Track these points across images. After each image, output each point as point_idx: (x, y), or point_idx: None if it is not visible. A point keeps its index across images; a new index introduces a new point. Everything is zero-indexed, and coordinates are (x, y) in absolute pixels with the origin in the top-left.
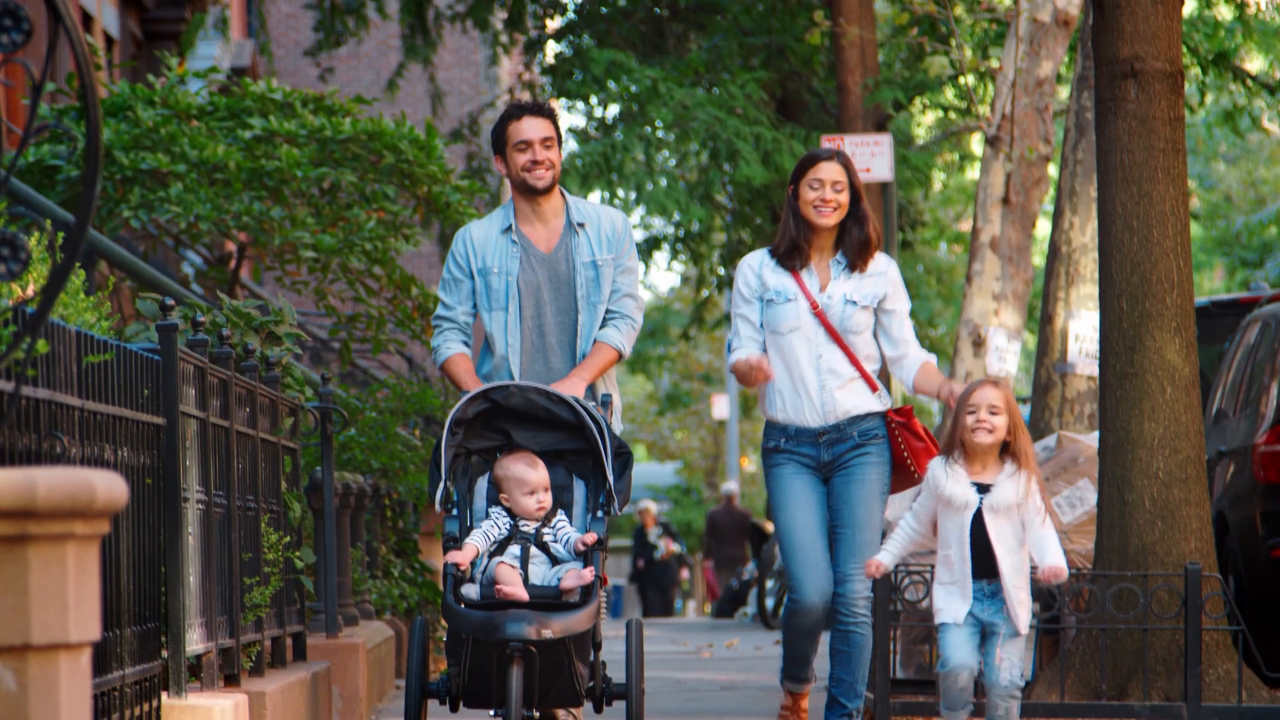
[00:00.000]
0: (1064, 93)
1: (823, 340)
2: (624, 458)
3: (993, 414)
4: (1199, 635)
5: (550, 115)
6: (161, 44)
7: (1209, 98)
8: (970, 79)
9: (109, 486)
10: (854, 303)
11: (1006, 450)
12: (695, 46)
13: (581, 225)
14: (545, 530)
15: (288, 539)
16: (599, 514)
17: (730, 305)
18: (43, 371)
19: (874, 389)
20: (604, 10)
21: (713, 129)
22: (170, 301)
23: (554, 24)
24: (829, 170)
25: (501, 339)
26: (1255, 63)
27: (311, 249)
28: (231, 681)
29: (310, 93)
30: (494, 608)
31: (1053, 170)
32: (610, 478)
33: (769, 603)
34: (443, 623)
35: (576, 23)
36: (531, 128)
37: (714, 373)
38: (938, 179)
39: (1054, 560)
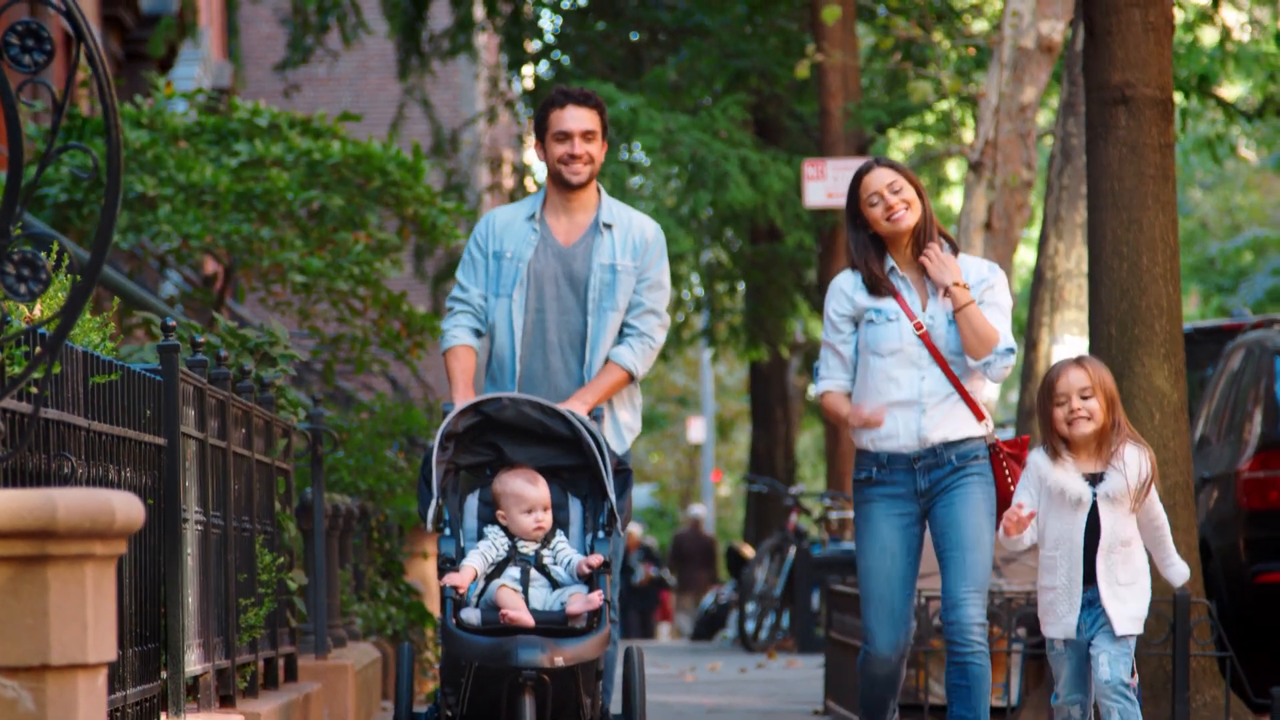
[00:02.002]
0: (1043, 119)
1: (926, 362)
2: (624, 475)
3: (1084, 398)
4: (1187, 661)
5: (596, 106)
6: (144, 64)
7: (1189, 125)
8: (952, 104)
9: (127, 507)
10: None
11: (1107, 432)
12: (672, 70)
13: (609, 226)
14: (545, 551)
15: (281, 560)
16: (600, 534)
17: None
18: (52, 392)
19: (979, 416)
20: (583, 33)
21: (698, 152)
22: (172, 321)
23: (533, 46)
24: (879, 178)
25: (504, 326)
26: (1234, 89)
27: (299, 271)
28: (227, 702)
29: (298, 115)
30: (498, 633)
31: (1033, 197)
32: (611, 495)
33: (749, 625)
34: (431, 646)
35: (555, 46)
36: (573, 118)
37: (690, 395)
38: None
39: (1176, 570)
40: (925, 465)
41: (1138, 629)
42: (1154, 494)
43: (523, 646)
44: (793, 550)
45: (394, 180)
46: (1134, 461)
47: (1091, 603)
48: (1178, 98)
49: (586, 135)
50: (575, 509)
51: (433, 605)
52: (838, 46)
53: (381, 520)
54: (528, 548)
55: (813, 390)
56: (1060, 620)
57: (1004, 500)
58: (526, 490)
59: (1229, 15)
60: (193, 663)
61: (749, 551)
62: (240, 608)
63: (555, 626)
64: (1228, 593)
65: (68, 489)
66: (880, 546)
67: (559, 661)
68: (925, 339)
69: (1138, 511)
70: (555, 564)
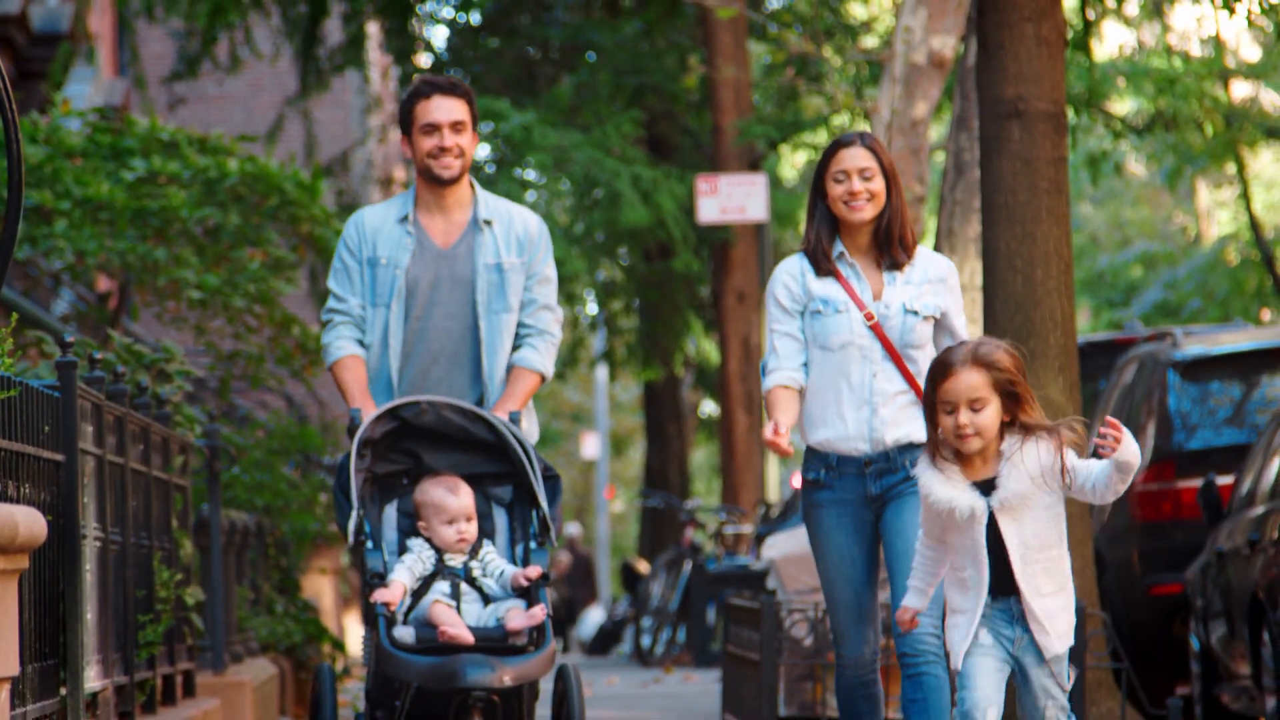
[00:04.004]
0: (935, 134)
1: (879, 357)
2: (553, 481)
3: (975, 409)
4: (1083, 673)
5: (464, 95)
6: (35, 82)
7: (1078, 140)
8: (845, 119)
9: (30, 522)
10: (915, 313)
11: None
12: (570, 89)
13: (488, 223)
14: (474, 564)
15: (179, 576)
16: (533, 544)
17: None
18: None
19: None
20: (476, 50)
21: (590, 170)
22: (70, 338)
23: (423, 60)
24: (854, 157)
25: (379, 340)
26: (1124, 105)
27: (195, 288)
28: (126, 718)
29: (195, 133)
30: (438, 652)
31: (926, 211)
32: (543, 503)
33: (645, 640)
34: (328, 662)
35: (447, 62)
36: (440, 108)
37: (584, 412)
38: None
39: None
40: (877, 470)
41: (1069, 643)
42: (1078, 464)
43: (470, 666)
44: (688, 565)
45: (290, 199)
46: (1031, 454)
47: (1018, 617)
48: (1069, 113)
49: (456, 126)
50: (501, 518)
51: (328, 621)
52: (730, 61)
53: (278, 536)
54: (455, 560)
55: (764, 383)
56: (959, 646)
57: None
58: (447, 500)
59: (1119, 33)
60: (92, 679)
61: (644, 567)
62: (139, 624)
63: (496, 644)
64: (1122, 605)
65: None
66: (839, 554)
67: (508, 681)
68: (877, 330)
69: (1068, 490)
70: (485, 576)
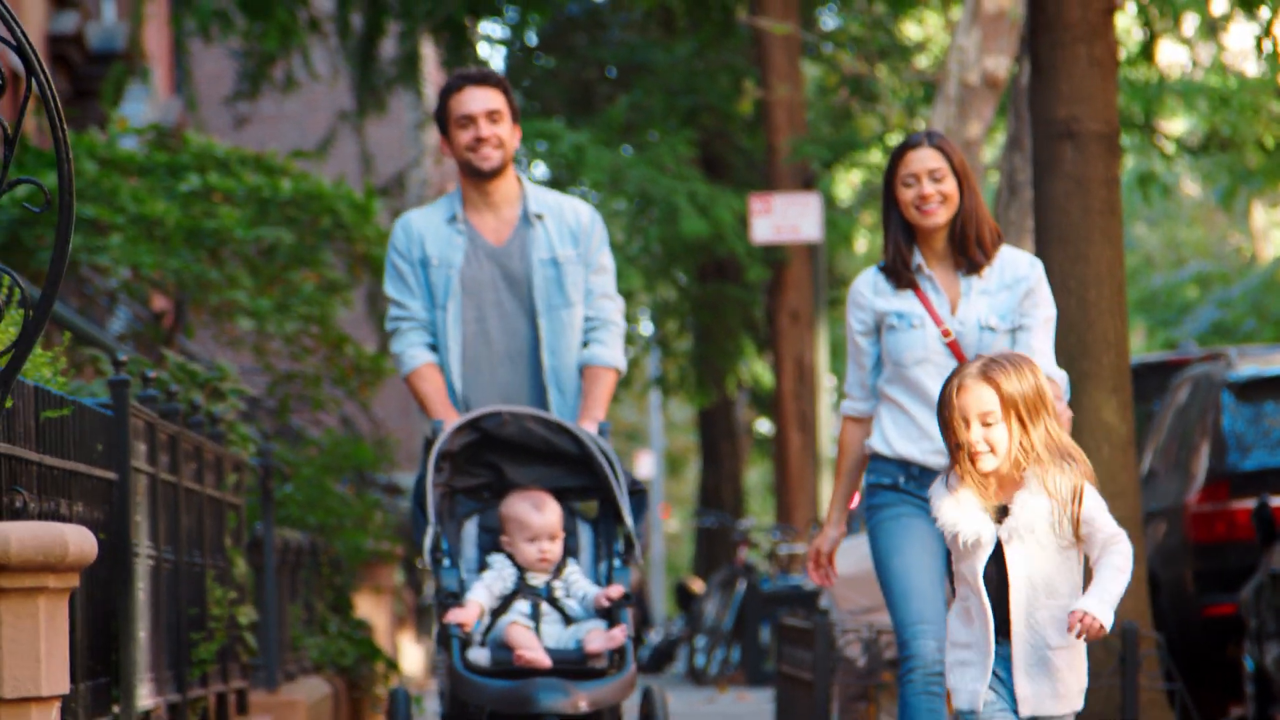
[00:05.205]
0: (988, 154)
1: None
2: (639, 496)
3: (986, 425)
4: (1135, 693)
5: (499, 84)
6: (91, 101)
7: (1130, 160)
8: (898, 139)
9: (80, 540)
10: (991, 329)
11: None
12: (624, 108)
13: (540, 216)
14: (557, 583)
15: (233, 595)
16: (617, 562)
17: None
18: (2, 426)
19: None
20: (531, 69)
21: (645, 188)
22: (123, 356)
23: None
24: (922, 159)
25: (440, 343)
26: (1178, 124)
27: (249, 315)
28: None
29: (249, 152)
30: (513, 675)
31: None
32: (628, 519)
33: (699, 660)
34: (381, 682)
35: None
36: (475, 99)
37: (639, 431)
38: (863, 240)
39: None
40: None
41: (1077, 706)
42: (1102, 522)
43: (544, 690)
44: (742, 584)
45: (343, 220)
46: (1052, 484)
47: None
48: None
49: (492, 116)
50: (585, 535)
51: (382, 640)
52: (784, 82)
53: (332, 554)
54: (537, 579)
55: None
56: (967, 687)
57: None
58: (531, 516)
59: (1173, 51)
60: (145, 697)
61: (698, 586)
62: (192, 642)
63: (574, 667)
64: (1176, 625)
65: (20, 522)
66: (920, 545)
67: (583, 706)
68: (954, 348)
69: (1081, 546)
70: (569, 597)
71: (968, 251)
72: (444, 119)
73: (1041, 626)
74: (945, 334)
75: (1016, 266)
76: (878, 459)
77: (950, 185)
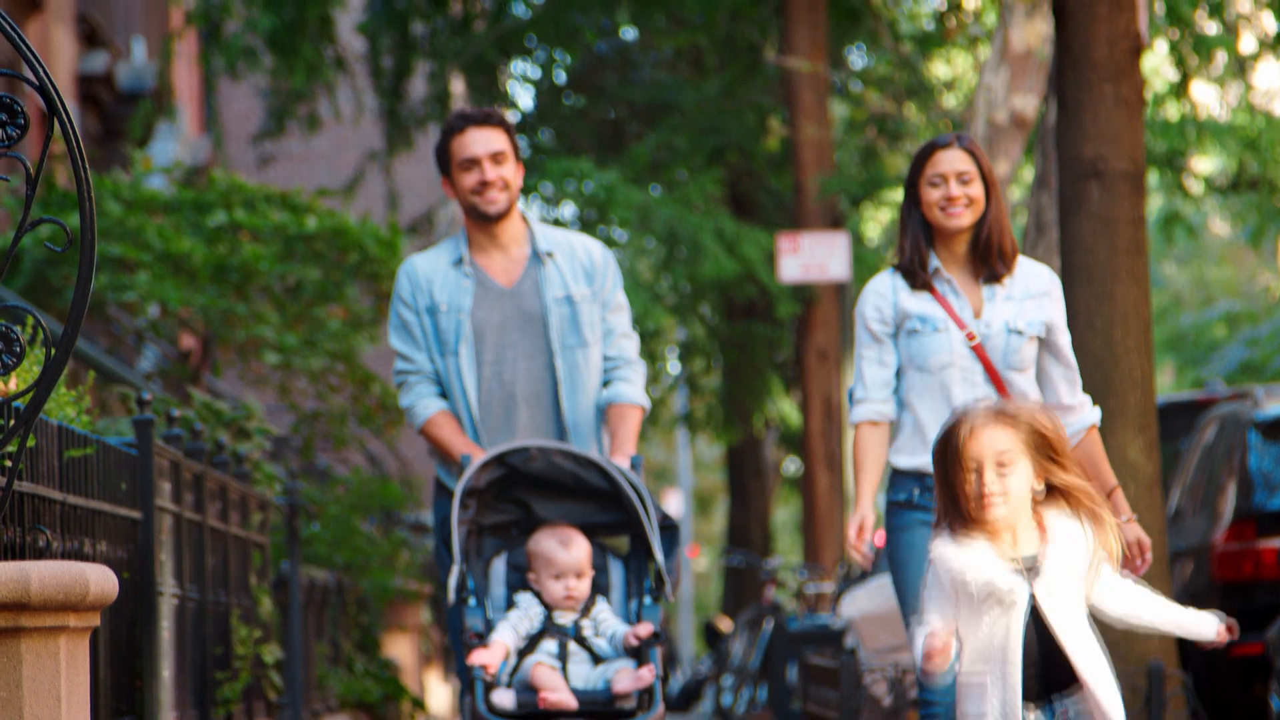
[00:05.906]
0: (1016, 193)
1: (980, 379)
2: (671, 532)
3: (1000, 471)
4: None
5: (501, 124)
6: (122, 141)
7: (1158, 200)
8: None
9: (101, 580)
10: (1019, 332)
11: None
12: (651, 147)
13: (550, 254)
14: (585, 622)
15: (258, 633)
16: (647, 599)
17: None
18: (27, 465)
19: None
20: (559, 109)
21: (673, 226)
22: (147, 395)
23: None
24: (951, 160)
25: (455, 387)
26: (1207, 164)
27: (274, 349)
28: None
29: (275, 190)
30: (537, 718)
31: None
32: (658, 555)
33: (726, 699)
34: None
35: (532, 121)
36: (477, 141)
37: (667, 470)
38: None
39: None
40: None
41: None
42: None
43: None
44: (769, 623)
45: (370, 256)
46: (1065, 534)
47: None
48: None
49: (496, 157)
50: (617, 572)
51: (409, 679)
52: (812, 121)
53: (358, 593)
54: (565, 618)
55: (851, 415)
56: None
57: None
58: (558, 554)
59: (1203, 91)
60: None
61: (726, 625)
62: (216, 681)
63: (601, 708)
64: (1203, 665)
65: (42, 562)
66: None
67: None
68: (979, 351)
69: (1091, 597)
70: (597, 636)
71: (990, 260)
72: (446, 160)
73: (1105, 669)
74: (970, 337)
75: (1040, 278)
76: (893, 473)
77: (977, 189)
